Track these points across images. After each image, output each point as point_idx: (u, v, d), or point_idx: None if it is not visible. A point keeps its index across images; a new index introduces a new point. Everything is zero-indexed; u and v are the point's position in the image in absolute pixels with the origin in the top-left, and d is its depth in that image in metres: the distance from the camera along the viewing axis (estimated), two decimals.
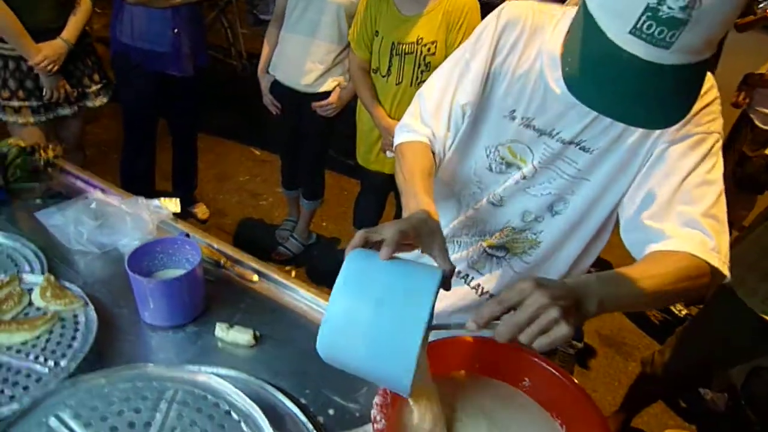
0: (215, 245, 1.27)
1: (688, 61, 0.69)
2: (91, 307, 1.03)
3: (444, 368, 0.93)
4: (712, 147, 0.91)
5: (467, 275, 1.18)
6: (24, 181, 1.45)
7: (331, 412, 0.93)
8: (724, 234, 0.88)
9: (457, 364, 0.94)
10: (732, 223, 2.66)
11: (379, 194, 2.48)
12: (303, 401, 0.94)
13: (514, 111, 1.00)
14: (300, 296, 1.18)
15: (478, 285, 1.18)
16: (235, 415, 0.78)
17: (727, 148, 3.18)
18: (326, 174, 2.86)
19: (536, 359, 0.91)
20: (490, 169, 1.07)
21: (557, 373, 0.88)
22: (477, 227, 1.14)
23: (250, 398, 0.84)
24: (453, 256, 1.17)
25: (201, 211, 3.06)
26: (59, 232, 1.25)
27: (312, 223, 3.02)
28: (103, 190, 1.46)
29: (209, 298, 1.14)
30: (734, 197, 2.94)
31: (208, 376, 0.82)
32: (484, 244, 1.14)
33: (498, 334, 0.71)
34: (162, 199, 1.33)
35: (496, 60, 0.99)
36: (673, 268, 0.83)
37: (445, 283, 0.76)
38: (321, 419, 0.91)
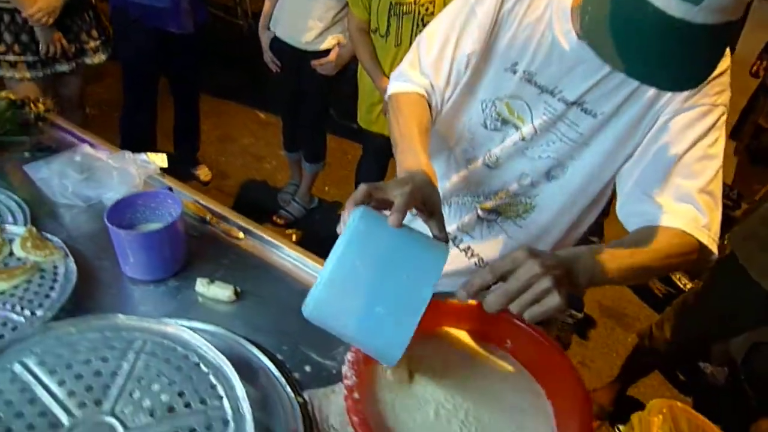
0: (202, 201, 1.25)
1: (716, 20, 0.65)
2: (71, 258, 1.02)
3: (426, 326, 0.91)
4: (717, 120, 0.88)
5: (456, 237, 1.15)
6: (13, 134, 1.43)
7: (307, 368, 0.92)
8: (717, 210, 0.87)
9: (441, 323, 0.92)
10: (743, 196, 2.60)
11: (380, 157, 2.44)
12: (279, 357, 0.93)
13: (516, 64, 0.95)
14: (285, 254, 1.17)
15: (468, 248, 1.15)
16: (204, 368, 0.77)
17: (742, 120, 3.08)
18: (328, 138, 2.82)
19: (517, 321, 0.88)
20: (485, 126, 1.03)
21: (536, 334, 0.86)
22: (471, 189, 1.10)
23: (224, 352, 0.83)
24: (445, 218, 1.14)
25: (203, 173, 3.04)
26: (45, 185, 1.23)
27: (314, 187, 2.99)
28: (92, 145, 1.44)
29: (193, 253, 1.12)
30: (748, 170, 2.86)
31: (180, 328, 0.81)
32: (478, 207, 1.10)
33: (487, 303, 0.70)
34: (149, 153, 1.31)
35: (504, 6, 0.93)
36: (664, 245, 0.82)
37: None
38: (297, 375, 0.90)
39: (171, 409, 0.71)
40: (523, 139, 0.99)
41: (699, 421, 1.25)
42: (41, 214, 1.17)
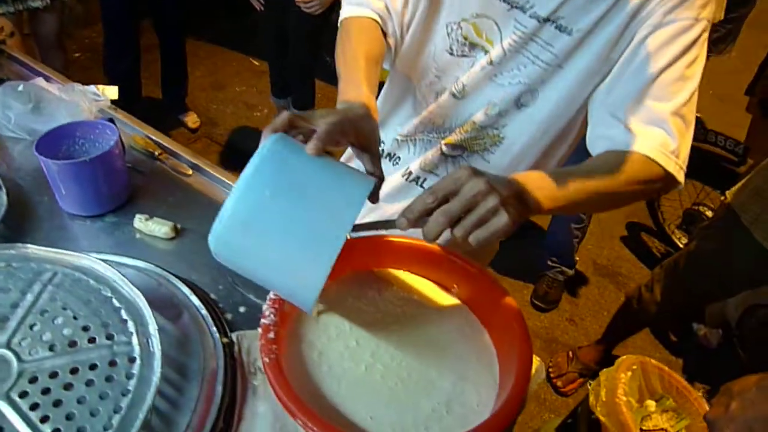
0: (151, 135, 1.18)
1: None
2: (4, 190, 0.97)
3: (364, 265, 0.85)
4: (698, 37, 0.78)
5: (419, 177, 1.08)
6: None
7: (242, 309, 0.87)
8: (688, 135, 0.79)
9: (382, 263, 0.86)
10: (749, 150, 2.47)
11: None
12: (213, 297, 0.88)
13: None
14: None
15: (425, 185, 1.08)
16: (116, 302, 0.71)
17: (758, 76, 2.91)
18: (322, 85, 2.72)
19: (465, 263, 0.82)
20: (451, 52, 0.93)
21: (483, 276, 0.80)
22: (435, 123, 1.02)
23: (147, 289, 0.77)
24: (407, 156, 1.06)
25: (191, 119, 2.96)
26: None
27: None
28: (47, 78, 1.37)
29: (137, 189, 1.06)
30: (761, 125, 2.71)
31: (95, 261, 0.75)
32: (442, 143, 1.02)
33: (427, 228, 0.62)
34: (100, 86, 1.24)
35: None
36: (625, 171, 0.75)
37: (374, 194, 0.68)
38: (230, 316, 0.85)
39: (73, 344, 0.66)
40: (491, 63, 0.90)
41: (673, 379, 1.20)
42: None
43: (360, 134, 0.70)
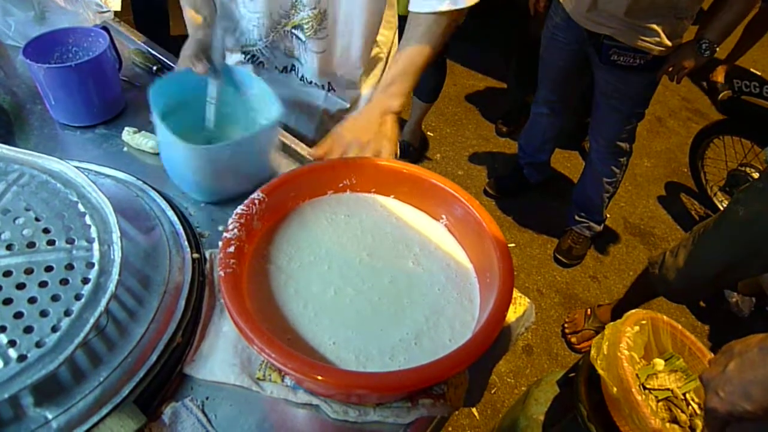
0: (150, 49, 1.13)
1: None
2: None
3: (348, 187, 0.80)
4: None
5: (287, 66, 1.10)
6: None
7: (221, 228, 0.83)
8: None
9: (366, 186, 0.80)
10: None
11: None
12: (192, 213, 0.84)
13: None
14: None
15: (303, 77, 1.11)
16: (81, 207, 0.69)
17: None
18: None
19: (453, 192, 0.75)
20: None
21: (471, 209, 0.73)
22: (279, 14, 1.02)
23: (122, 199, 0.75)
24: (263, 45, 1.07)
25: None
26: None
27: None
28: None
29: (132, 103, 1.03)
30: None
31: (66, 165, 0.73)
32: (288, 27, 1.03)
33: None
34: None
35: None
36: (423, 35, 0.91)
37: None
38: (207, 233, 0.82)
39: (31, 245, 0.64)
40: None
41: (686, 339, 1.12)
42: None
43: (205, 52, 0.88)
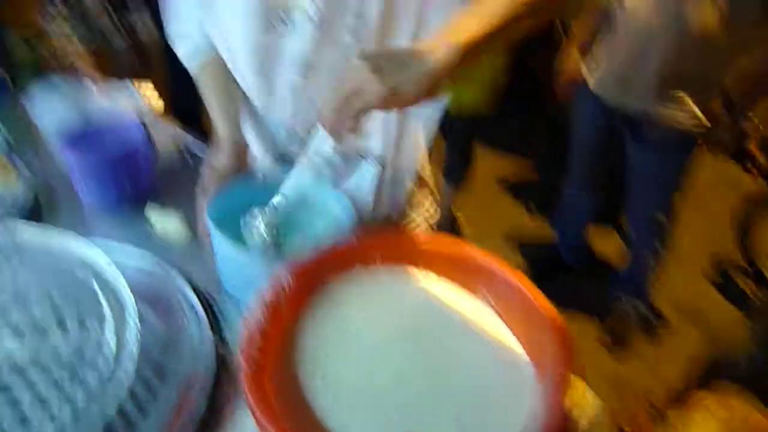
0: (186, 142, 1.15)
1: None
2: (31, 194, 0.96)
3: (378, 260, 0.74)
4: None
5: None
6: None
7: (244, 312, 0.78)
8: None
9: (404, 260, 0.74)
10: None
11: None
12: (214, 297, 0.80)
13: None
14: None
15: None
16: (96, 287, 0.65)
17: None
18: None
19: (496, 267, 0.69)
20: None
21: (520, 285, 0.67)
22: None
23: (141, 281, 0.72)
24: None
25: None
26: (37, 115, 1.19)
27: None
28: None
29: (165, 189, 1.03)
30: None
31: (84, 241, 0.69)
32: None
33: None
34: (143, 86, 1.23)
35: None
36: None
37: None
38: (231, 318, 0.77)
39: (42, 330, 0.60)
40: None
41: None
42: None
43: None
